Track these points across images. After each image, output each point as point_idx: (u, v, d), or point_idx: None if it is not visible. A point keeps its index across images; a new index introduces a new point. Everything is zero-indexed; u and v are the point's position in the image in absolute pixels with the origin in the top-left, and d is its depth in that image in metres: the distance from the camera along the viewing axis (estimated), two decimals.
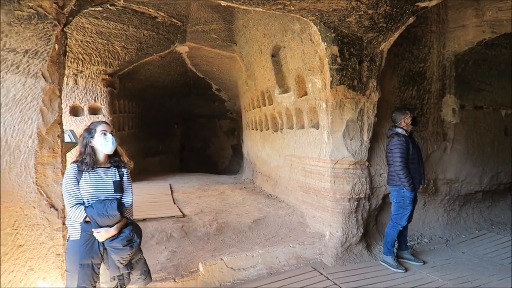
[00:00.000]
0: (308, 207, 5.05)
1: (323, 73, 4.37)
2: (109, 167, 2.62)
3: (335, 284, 3.79)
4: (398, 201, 4.28)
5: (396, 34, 4.26)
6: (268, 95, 6.59)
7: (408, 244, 4.63)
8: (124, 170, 2.69)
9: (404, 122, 4.29)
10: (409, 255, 4.45)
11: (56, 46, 2.81)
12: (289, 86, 5.64)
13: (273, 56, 5.94)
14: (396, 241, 4.50)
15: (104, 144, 2.55)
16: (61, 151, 2.97)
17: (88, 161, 2.52)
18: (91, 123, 2.66)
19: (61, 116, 2.93)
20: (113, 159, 2.66)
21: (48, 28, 2.74)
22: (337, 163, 4.43)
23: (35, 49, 2.73)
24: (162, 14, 6.50)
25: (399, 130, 4.27)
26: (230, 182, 8.70)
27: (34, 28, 2.70)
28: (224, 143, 15.00)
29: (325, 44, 4.17)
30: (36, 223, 2.82)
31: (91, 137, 2.56)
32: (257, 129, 7.86)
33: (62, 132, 3.00)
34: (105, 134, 2.56)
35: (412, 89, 5.15)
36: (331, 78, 4.26)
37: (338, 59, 4.20)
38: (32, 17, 2.66)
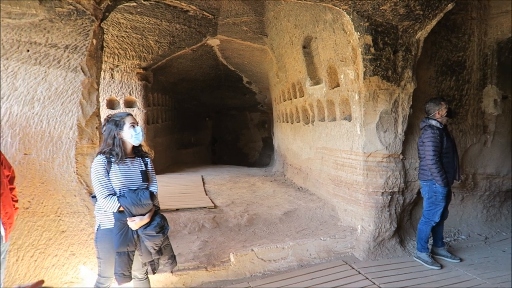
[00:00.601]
0: (339, 200, 4.99)
1: (356, 63, 4.28)
2: (134, 158, 2.69)
3: (367, 278, 3.73)
4: (430, 197, 4.13)
5: (434, 22, 4.08)
6: (299, 87, 6.53)
7: (444, 240, 4.48)
8: (148, 160, 2.76)
9: (439, 114, 4.11)
10: (445, 251, 4.31)
11: (94, 41, 2.91)
12: (321, 78, 5.56)
13: (304, 47, 5.87)
14: (431, 237, 4.36)
15: (135, 136, 2.61)
16: (99, 143, 3.09)
17: (118, 153, 2.57)
18: (113, 115, 2.68)
19: (99, 108, 3.05)
20: (137, 150, 2.73)
21: (86, 23, 2.85)
22: (370, 156, 4.34)
23: (75, 44, 2.84)
24: (194, 7, 6.57)
25: (433, 122, 4.10)
26: (260, 175, 8.74)
27: (74, 24, 2.82)
28: (255, 135, 15.05)
29: (358, 33, 4.06)
30: (77, 210, 2.97)
31: (120, 129, 2.60)
32: (287, 122, 7.83)
33: (100, 124, 3.12)
34: (134, 126, 2.62)
35: (450, 79, 4.93)
36: (364, 69, 4.15)
37: (372, 49, 4.09)
38: (72, 13, 2.77)
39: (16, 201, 2.61)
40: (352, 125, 4.60)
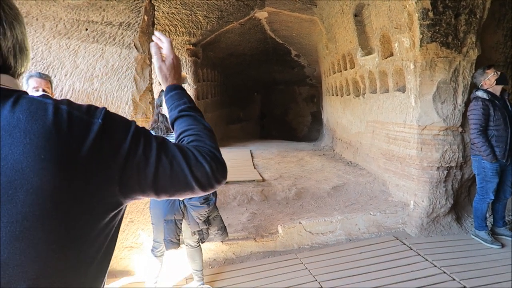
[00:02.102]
0: (391, 175, 4.84)
1: (412, 30, 4.01)
2: None
3: (419, 255, 3.63)
4: (479, 173, 3.89)
5: None
6: (350, 58, 6.28)
7: (507, 219, 4.20)
8: None
9: (486, 83, 3.79)
10: (506, 231, 4.04)
11: (146, 17, 2.99)
12: (373, 47, 5.30)
13: (355, 15, 5.60)
14: (491, 216, 4.11)
15: None
16: (152, 117, 3.23)
17: (161, 128, 2.68)
18: (161, 90, 2.77)
19: (151, 84, 3.17)
20: None
21: (138, 0, 2.93)
22: (425, 128, 4.12)
23: (128, 21, 2.94)
24: None
25: (479, 93, 3.80)
26: (309, 149, 8.68)
27: (126, 1, 2.91)
28: (303, 110, 14.86)
29: None
30: None
31: (160, 105, 2.70)
32: (337, 95, 7.62)
33: (153, 99, 3.25)
34: None
35: None
36: (421, 36, 3.88)
37: (430, 14, 3.80)
38: None
39: None
40: (406, 97, 4.37)
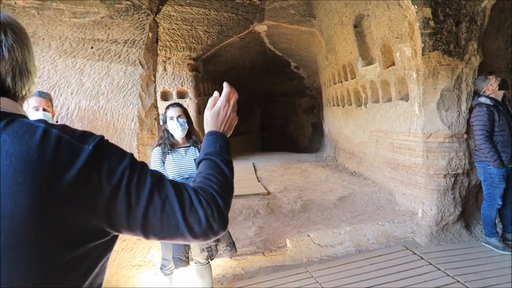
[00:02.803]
0: (397, 184, 4.81)
1: (413, 39, 4.03)
2: (189, 147, 2.77)
3: (431, 264, 3.58)
4: (486, 179, 3.87)
5: None
6: (350, 69, 6.32)
7: None
8: None
9: (489, 89, 3.81)
10: None
11: (150, 34, 3.02)
12: (374, 57, 5.33)
13: (355, 26, 5.65)
14: (500, 222, 4.07)
15: (173, 129, 2.70)
16: (158, 133, 3.23)
17: (167, 144, 2.69)
18: (167, 106, 2.81)
19: (156, 100, 3.17)
20: (191, 139, 2.80)
21: (142, 17, 2.96)
22: (430, 136, 4.11)
23: (133, 39, 2.97)
24: None
25: (482, 99, 3.82)
26: (311, 160, 8.66)
27: (131, 19, 2.93)
28: (304, 121, 14.89)
29: (416, 7, 3.82)
30: None
31: (165, 123, 2.73)
32: (338, 105, 7.64)
33: (158, 115, 3.25)
34: (172, 119, 2.69)
35: None
36: (423, 44, 3.91)
37: (431, 22, 3.83)
38: (129, 8, 2.89)
39: None
40: (409, 105, 4.38)
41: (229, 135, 1.15)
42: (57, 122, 2.91)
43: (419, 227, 4.20)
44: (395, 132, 4.78)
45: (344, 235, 4.08)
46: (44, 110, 2.49)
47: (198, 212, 0.79)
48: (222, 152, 1.05)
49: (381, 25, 4.71)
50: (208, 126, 1.12)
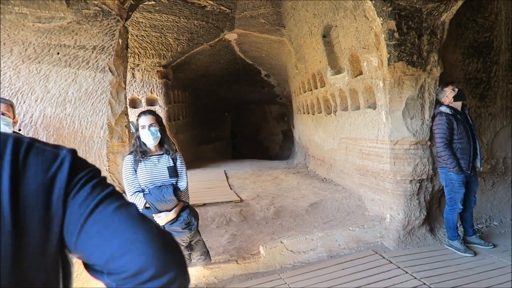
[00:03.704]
0: (366, 190, 4.94)
1: (379, 50, 4.19)
2: (161, 154, 2.72)
3: (399, 267, 3.69)
4: (447, 184, 4.08)
5: (460, 3, 3.97)
6: (320, 77, 6.46)
7: (475, 228, 4.38)
8: (177, 156, 2.77)
9: (445, 100, 4.05)
10: (477, 239, 4.21)
11: (120, 41, 2.96)
12: (342, 67, 5.48)
13: (324, 36, 5.79)
14: (461, 226, 4.27)
15: (144, 137, 2.64)
16: (128, 141, 3.15)
17: (139, 152, 2.64)
18: (139, 113, 2.75)
19: (127, 107, 3.11)
20: (165, 147, 2.75)
21: (112, 24, 2.90)
22: (396, 143, 4.27)
23: (102, 45, 2.90)
24: (211, 2, 6.58)
25: (442, 109, 4.04)
26: (283, 167, 8.73)
27: (100, 25, 2.87)
28: (275, 128, 15.02)
29: (381, 19, 3.98)
30: None
31: (137, 130, 2.68)
32: (308, 113, 7.77)
33: (128, 122, 3.18)
34: (143, 128, 2.64)
35: (477, 61, 4.78)
36: (388, 55, 4.07)
37: (396, 34, 4.00)
38: (98, 14, 2.82)
39: None
40: (377, 113, 4.52)
41: None
42: (19, 130, 2.78)
43: (388, 232, 4.32)
44: (364, 139, 4.92)
45: (316, 241, 4.13)
46: (3, 114, 2.36)
47: None
48: None
49: (349, 35, 4.87)
50: None
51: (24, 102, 2.79)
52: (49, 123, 2.83)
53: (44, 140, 2.83)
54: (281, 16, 7.18)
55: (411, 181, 4.25)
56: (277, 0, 6.85)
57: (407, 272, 3.58)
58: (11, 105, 2.48)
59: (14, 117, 2.49)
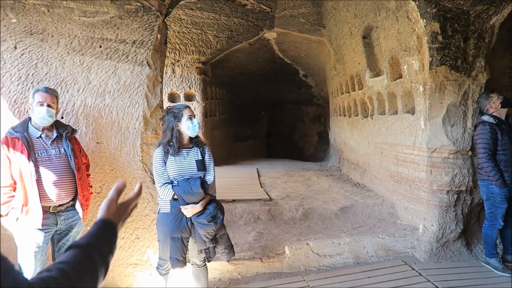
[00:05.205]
0: (399, 197, 4.77)
1: (421, 53, 4.03)
2: (191, 148, 2.75)
3: (429, 281, 3.53)
4: (488, 198, 3.82)
5: (511, 6, 3.72)
6: (358, 80, 6.32)
7: None
8: (206, 150, 2.81)
9: (491, 107, 3.77)
10: None
11: (159, 36, 3.05)
12: (382, 69, 5.33)
13: (364, 37, 5.66)
14: (501, 243, 4.02)
15: (192, 128, 2.67)
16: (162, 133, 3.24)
17: (174, 144, 2.66)
18: (173, 107, 2.76)
19: (162, 100, 3.20)
20: (195, 140, 2.79)
21: (151, 19, 2.99)
22: (434, 151, 4.08)
23: (141, 39, 3.00)
24: (252, 1, 6.61)
25: (485, 118, 3.78)
26: (315, 169, 8.63)
27: (140, 20, 2.97)
28: (310, 129, 14.87)
29: (424, 21, 3.82)
30: (141, 197, 3.14)
31: (178, 121, 2.67)
32: (345, 115, 7.62)
33: (163, 115, 3.26)
34: (191, 118, 2.68)
35: None
36: (431, 59, 3.90)
37: (439, 37, 3.82)
38: (139, 9, 2.93)
39: (91, 186, 2.84)
40: (415, 119, 4.36)
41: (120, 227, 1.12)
42: (62, 118, 2.94)
43: (419, 243, 4.15)
44: (400, 145, 4.75)
45: (343, 246, 4.05)
46: (48, 106, 2.51)
47: None
48: (103, 252, 0.96)
49: (390, 37, 4.72)
50: (107, 213, 1.07)
51: (67, 92, 2.95)
52: (89, 113, 2.97)
53: (83, 128, 2.98)
54: (321, 16, 7.09)
55: (448, 191, 4.05)
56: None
57: (437, 287, 3.42)
58: (56, 96, 2.63)
59: (57, 108, 2.64)
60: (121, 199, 1.13)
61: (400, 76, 4.69)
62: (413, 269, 3.78)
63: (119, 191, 1.13)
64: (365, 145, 6.23)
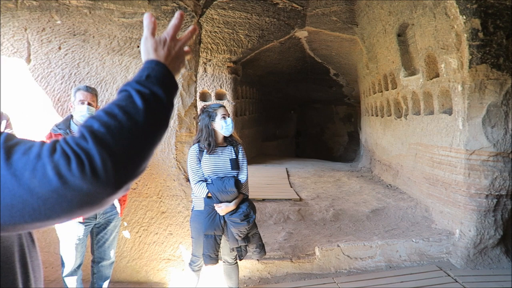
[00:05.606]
0: (434, 201, 4.62)
1: (460, 51, 3.88)
2: (225, 146, 2.78)
3: None
4: None
5: None
6: (392, 79, 6.16)
7: None
8: (240, 149, 2.83)
9: None
10: None
11: (193, 36, 3.10)
12: (417, 68, 5.17)
13: (399, 35, 5.51)
14: None
15: (225, 128, 2.70)
16: (196, 132, 3.30)
17: (209, 142, 2.70)
18: (208, 106, 2.80)
19: (196, 99, 3.25)
20: (229, 139, 2.81)
21: (187, 19, 3.05)
22: (473, 153, 3.92)
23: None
24: None
25: None
26: (346, 170, 8.51)
27: None
28: (340, 129, 14.67)
29: (464, 17, 3.67)
30: (175, 194, 3.22)
31: (212, 120, 2.71)
32: (377, 115, 7.46)
33: (197, 114, 3.32)
34: (224, 117, 2.70)
35: None
36: (470, 57, 3.75)
37: (480, 34, 3.66)
38: (175, 10, 2.99)
39: None
40: (452, 119, 4.20)
41: (176, 71, 0.88)
42: None
43: (456, 248, 4.00)
44: (436, 146, 4.60)
45: (375, 248, 3.97)
46: (89, 104, 2.61)
47: (45, 166, 0.60)
48: (148, 82, 0.76)
49: (426, 34, 4.57)
50: (148, 55, 0.85)
51: (107, 91, 3.06)
52: None
53: None
54: (354, 14, 6.97)
55: (487, 195, 3.88)
56: None
57: None
58: (95, 95, 2.73)
59: (96, 106, 2.74)
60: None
61: (437, 75, 4.53)
62: (449, 275, 3.65)
63: (177, 28, 0.89)
64: (398, 146, 6.07)
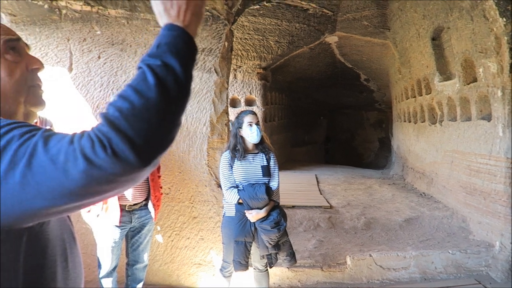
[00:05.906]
0: (472, 210, 4.43)
1: (500, 54, 3.72)
2: (257, 153, 2.79)
3: None
4: None
5: None
6: (426, 84, 5.99)
7: None
8: (271, 156, 2.82)
9: None
10: None
11: (226, 44, 3.15)
12: (453, 72, 5.00)
13: (433, 39, 5.35)
14: None
15: (250, 135, 2.71)
16: (227, 138, 3.34)
17: (239, 149, 2.72)
18: (240, 112, 2.84)
19: (228, 106, 3.29)
20: (261, 146, 2.81)
21: (220, 27, 3.10)
22: None
23: (210, 47, 3.12)
24: (314, 5, 6.57)
25: None
26: (377, 177, 8.32)
27: (209, 28, 3.09)
28: (371, 135, 14.38)
29: (504, 19, 3.52)
30: (206, 199, 3.26)
31: (239, 127, 2.74)
32: (410, 121, 7.26)
33: (229, 121, 3.36)
34: (251, 125, 2.71)
35: None
36: (511, 60, 3.59)
37: None
38: (208, 19, 3.05)
39: (161, 187, 3.00)
40: (491, 126, 4.02)
41: (194, 27, 0.79)
42: None
43: (495, 261, 3.81)
44: (473, 154, 4.42)
45: (409, 259, 3.84)
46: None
47: (75, 150, 0.64)
48: (160, 52, 0.71)
49: (463, 38, 4.41)
50: (160, 20, 0.78)
51: None
52: None
53: None
54: (385, 18, 6.85)
55: None
56: (382, 1, 6.55)
57: None
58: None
59: None
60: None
61: (475, 80, 4.37)
62: None
63: None
64: (432, 153, 5.88)
